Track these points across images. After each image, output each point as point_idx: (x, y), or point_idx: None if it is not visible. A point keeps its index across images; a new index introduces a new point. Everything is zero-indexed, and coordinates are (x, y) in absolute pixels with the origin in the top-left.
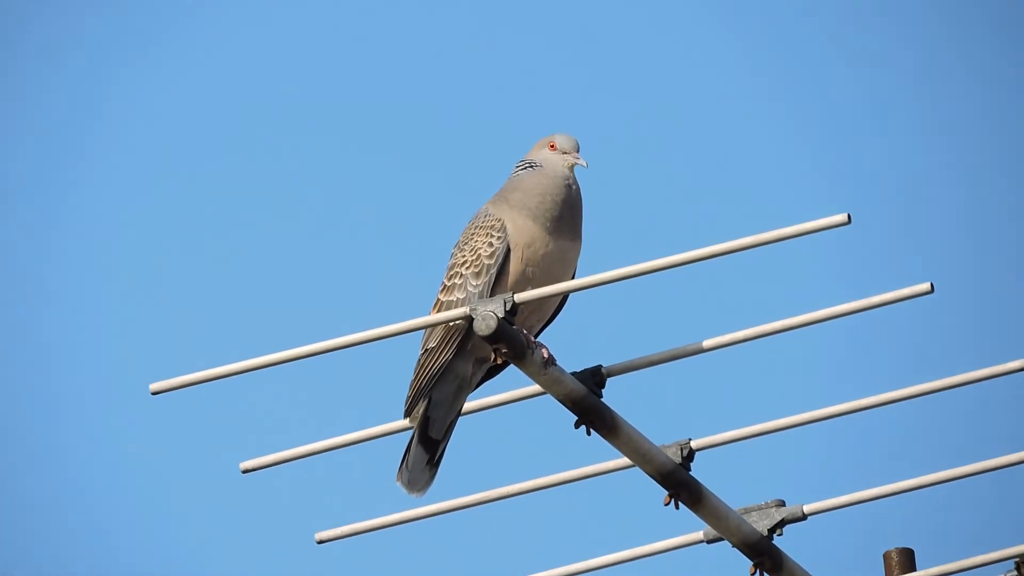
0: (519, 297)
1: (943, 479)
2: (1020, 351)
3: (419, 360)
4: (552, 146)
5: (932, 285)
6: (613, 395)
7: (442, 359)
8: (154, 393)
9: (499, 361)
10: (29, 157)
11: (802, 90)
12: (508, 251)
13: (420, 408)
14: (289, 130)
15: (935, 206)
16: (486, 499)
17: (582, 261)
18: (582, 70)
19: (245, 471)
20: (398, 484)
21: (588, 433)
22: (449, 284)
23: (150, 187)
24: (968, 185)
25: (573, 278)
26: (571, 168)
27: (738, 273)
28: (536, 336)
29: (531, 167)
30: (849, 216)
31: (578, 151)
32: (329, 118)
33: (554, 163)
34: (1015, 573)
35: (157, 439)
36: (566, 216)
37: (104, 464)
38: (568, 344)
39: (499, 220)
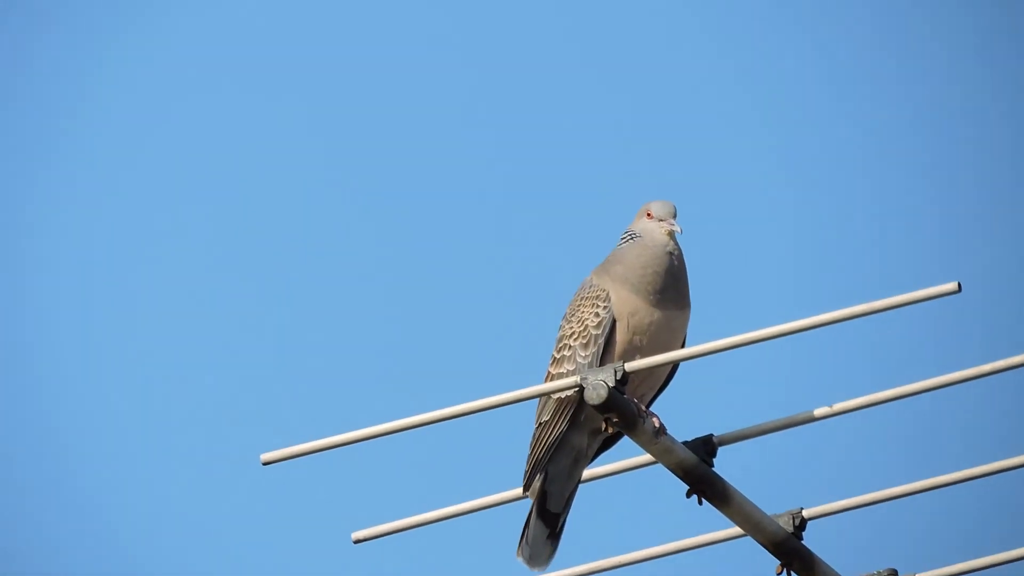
0: (630, 366)
1: None
2: None
3: (534, 434)
4: (649, 214)
5: None
6: (724, 463)
7: (556, 432)
8: (265, 464)
9: (610, 431)
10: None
11: (906, 154)
12: (614, 321)
13: (537, 482)
14: (398, 205)
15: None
16: (600, 568)
17: (692, 328)
18: (686, 135)
19: (357, 541)
20: (519, 559)
21: (700, 502)
22: (559, 356)
23: (256, 254)
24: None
25: (683, 346)
26: (669, 235)
27: (848, 341)
28: (648, 406)
29: (632, 238)
30: (959, 285)
31: (675, 217)
32: (438, 192)
33: (652, 232)
34: None
35: (269, 509)
36: (669, 286)
37: (216, 534)
38: (679, 413)
39: (604, 290)
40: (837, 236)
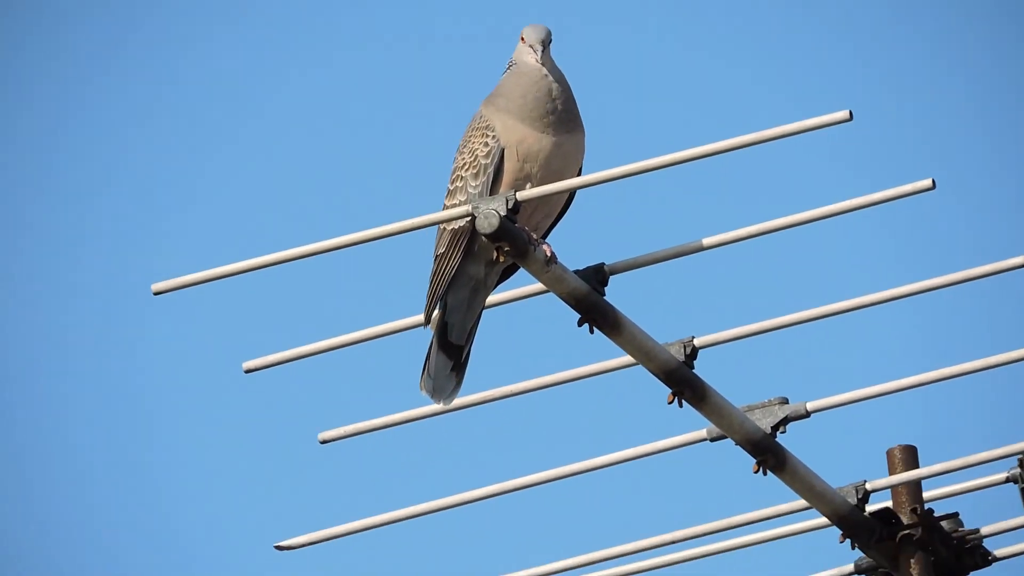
0: (521, 195)
1: (945, 376)
2: (1022, 248)
3: (432, 268)
4: (523, 39)
5: (933, 181)
6: (616, 294)
7: (452, 263)
8: (156, 294)
9: (501, 259)
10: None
11: None
12: (504, 150)
13: (437, 313)
14: (305, 45)
15: (938, 101)
16: (489, 398)
17: (587, 159)
18: None
19: (248, 371)
20: (422, 392)
21: (591, 331)
22: (452, 188)
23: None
24: (974, 78)
25: (580, 173)
26: (539, 60)
27: (740, 171)
28: (545, 236)
29: (510, 67)
30: (851, 113)
31: (544, 41)
32: (340, 23)
33: (525, 58)
34: (1019, 470)
35: (161, 341)
36: (552, 110)
37: (107, 368)
38: (572, 242)
39: (490, 119)
40: (734, 65)
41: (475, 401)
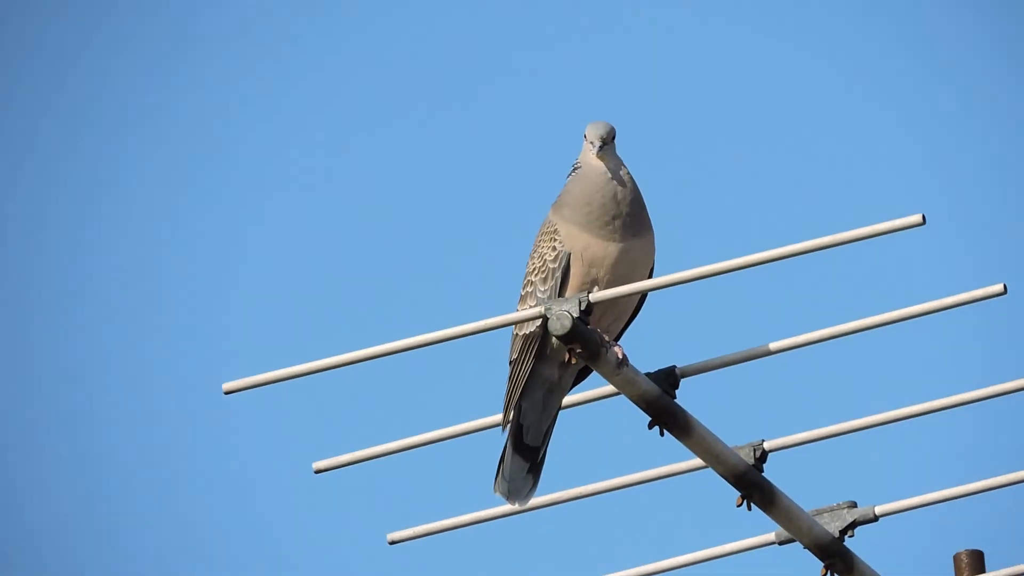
0: (593, 297)
1: (1014, 480)
2: None
3: (508, 374)
4: (585, 137)
5: (1005, 286)
6: (687, 396)
7: (525, 368)
8: (227, 393)
9: (573, 361)
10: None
11: (883, 84)
12: (570, 256)
13: (511, 417)
14: (375, 136)
15: (1011, 205)
16: (559, 500)
17: (662, 253)
18: (653, 59)
19: (318, 471)
20: (497, 495)
21: (661, 434)
22: (523, 293)
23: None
24: None
25: (651, 274)
26: (600, 158)
27: (808, 271)
28: (617, 338)
29: (575, 169)
30: (924, 217)
31: (603, 139)
32: (417, 118)
33: (588, 158)
34: None
35: (231, 438)
36: (617, 215)
37: (176, 460)
38: (644, 344)
39: (556, 224)
40: (805, 168)
41: (546, 502)
